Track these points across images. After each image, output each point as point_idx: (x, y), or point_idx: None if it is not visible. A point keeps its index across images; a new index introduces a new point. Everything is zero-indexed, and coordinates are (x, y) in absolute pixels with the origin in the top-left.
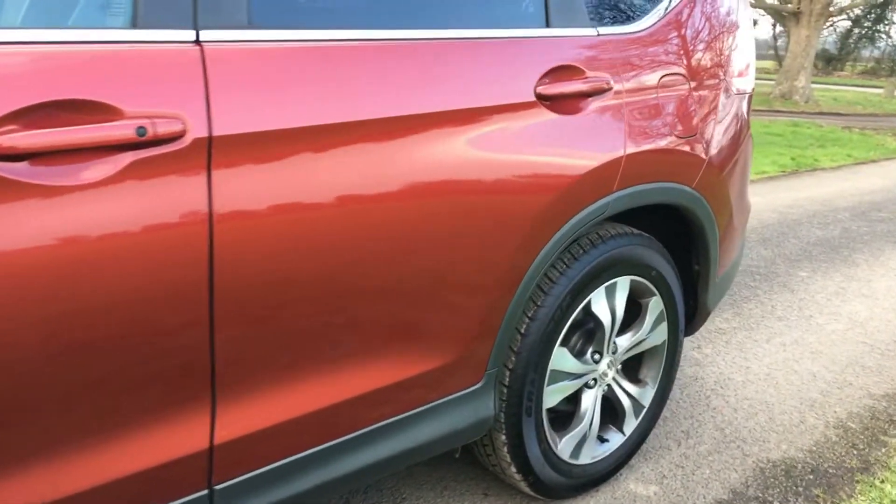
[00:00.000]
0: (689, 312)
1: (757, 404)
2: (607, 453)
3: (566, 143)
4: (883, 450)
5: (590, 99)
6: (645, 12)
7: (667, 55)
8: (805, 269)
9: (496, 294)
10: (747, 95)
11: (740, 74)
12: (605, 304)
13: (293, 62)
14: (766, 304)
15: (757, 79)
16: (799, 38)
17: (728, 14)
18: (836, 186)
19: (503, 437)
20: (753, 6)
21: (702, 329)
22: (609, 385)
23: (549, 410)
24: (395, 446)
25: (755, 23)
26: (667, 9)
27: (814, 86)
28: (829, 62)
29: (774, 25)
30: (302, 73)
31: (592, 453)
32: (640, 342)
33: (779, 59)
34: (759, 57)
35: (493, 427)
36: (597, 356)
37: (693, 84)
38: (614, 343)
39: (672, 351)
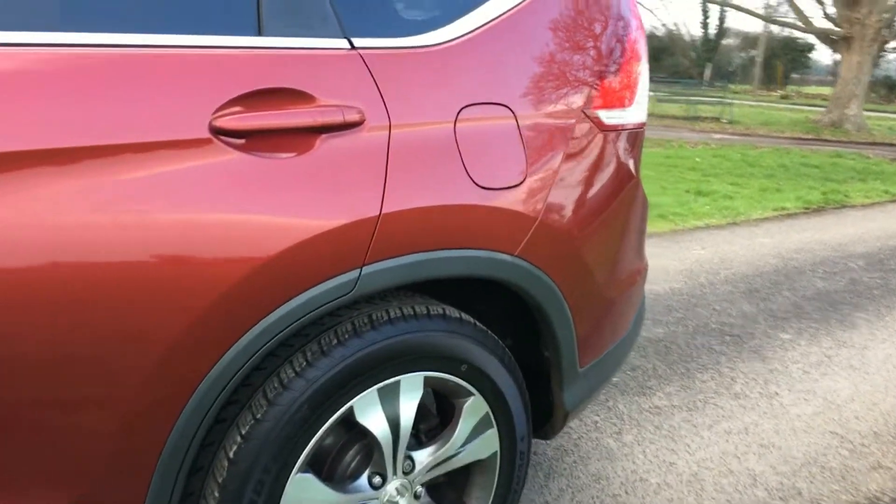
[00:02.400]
0: (546, 411)
1: None
2: None
3: (270, 197)
4: None
5: (323, 136)
6: (450, 19)
7: (480, 78)
8: (790, 331)
9: (137, 416)
10: (631, 133)
11: (617, 105)
12: (379, 412)
13: None
14: (726, 376)
15: (813, 105)
16: (850, 64)
17: (601, 26)
18: (860, 227)
19: None
20: (803, 30)
21: (632, 407)
22: None
23: None
24: None
25: (812, 47)
26: (491, 17)
27: (871, 114)
28: (892, 89)
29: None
30: None
31: None
32: (453, 456)
33: None
34: (820, 83)
35: None
36: (377, 479)
37: (524, 118)
38: (409, 460)
39: (509, 465)
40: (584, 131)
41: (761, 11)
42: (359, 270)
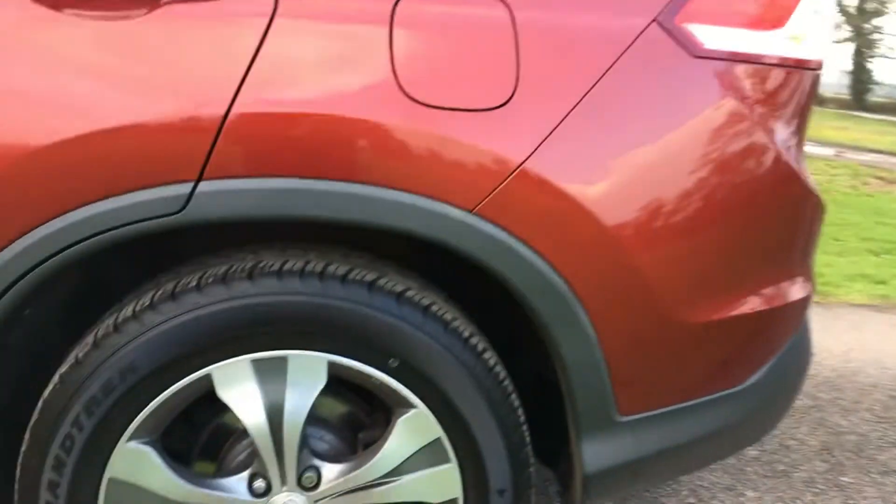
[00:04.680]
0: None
1: None
2: None
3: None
4: None
5: None
6: None
7: None
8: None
9: None
10: (785, 75)
11: (743, 22)
12: (253, 391)
13: None
14: None
15: None
16: None
17: None
18: None
19: None
20: None
21: None
22: None
23: None
24: None
25: None
26: None
27: None
28: None
29: None
30: None
31: None
32: (378, 485)
33: None
34: None
35: None
36: (259, 484)
37: (529, 11)
38: (313, 471)
39: None
40: (654, 51)
41: None
42: (192, 185)
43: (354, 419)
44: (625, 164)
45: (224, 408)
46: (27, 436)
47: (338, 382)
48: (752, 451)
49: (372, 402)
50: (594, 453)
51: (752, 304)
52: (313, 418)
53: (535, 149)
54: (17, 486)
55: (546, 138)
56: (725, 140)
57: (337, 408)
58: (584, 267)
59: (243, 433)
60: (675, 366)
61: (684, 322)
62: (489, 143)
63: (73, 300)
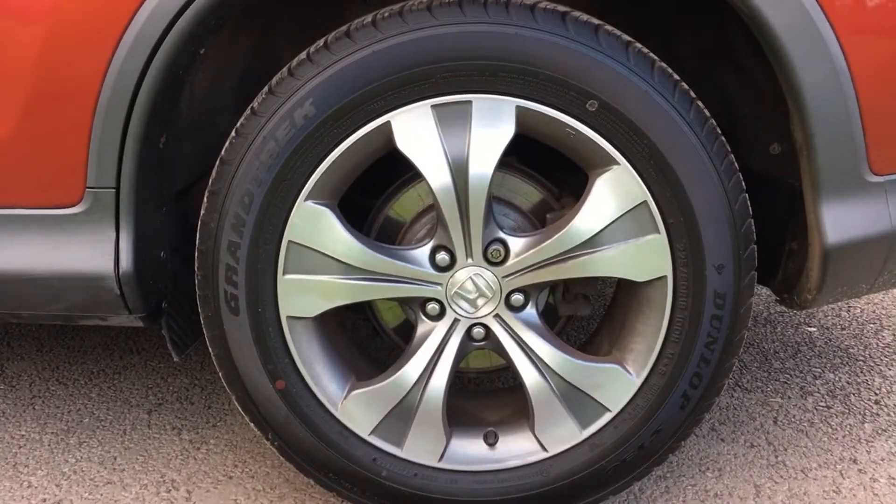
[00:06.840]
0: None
1: None
2: (489, 467)
3: None
4: None
5: None
6: None
7: None
8: None
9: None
10: None
11: None
12: (435, 141)
13: None
14: None
15: None
16: None
17: None
18: None
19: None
20: None
21: None
22: (487, 328)
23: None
24: None
25: None
26: None
27: None
28: None
29: None
30: None
31: (433, 449)
32: (572, 256)
33: None
34: None
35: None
36: (442, 256)
37: None
38: (499, 244)
39: (688, 314)
40: None
41: None
42: None
43: (543, 204)
44: None
45: (400, 188)
46: (205, 199)
47: (526, 157)
48: None
49: (562, 186)
50: (837, 220)
51: None
52: (499, 199)
53: None
54: (196, 253)
55: None
56: None
57: (524, 188)
58: None
59: (422, 212)
60: None
61: None
62: None
63: (245, 75)
